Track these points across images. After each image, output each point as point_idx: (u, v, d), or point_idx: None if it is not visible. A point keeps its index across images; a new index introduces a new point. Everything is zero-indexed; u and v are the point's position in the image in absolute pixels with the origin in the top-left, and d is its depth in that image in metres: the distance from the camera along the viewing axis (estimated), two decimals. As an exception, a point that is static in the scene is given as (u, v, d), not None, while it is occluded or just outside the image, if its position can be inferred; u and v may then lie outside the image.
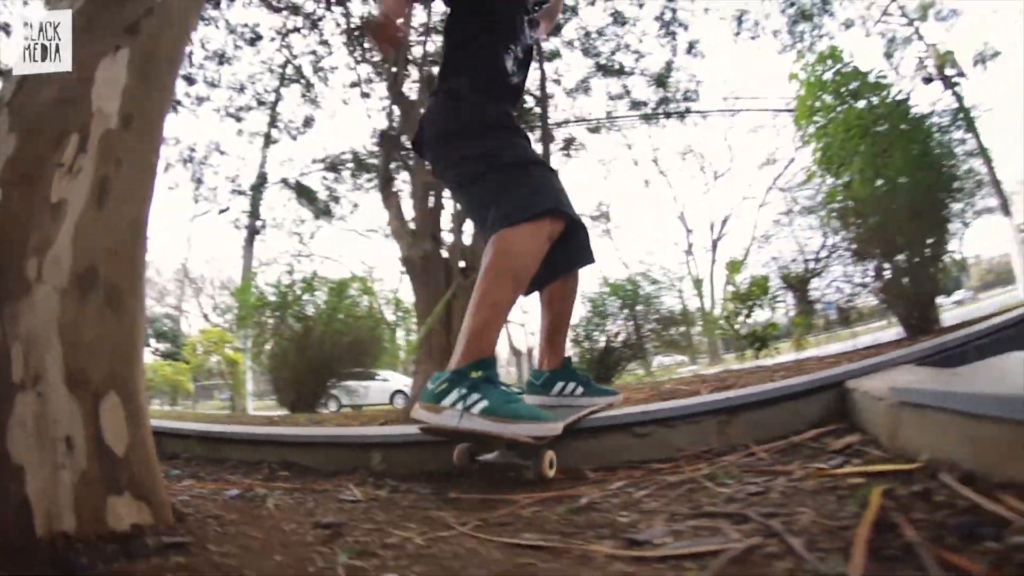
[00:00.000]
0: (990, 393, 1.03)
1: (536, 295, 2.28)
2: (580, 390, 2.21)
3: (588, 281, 9.81)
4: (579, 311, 9.13)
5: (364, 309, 9.05)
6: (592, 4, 8.88)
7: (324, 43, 9.50)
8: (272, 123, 11.93)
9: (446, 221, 3.97)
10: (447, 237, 3.95)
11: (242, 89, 10.84)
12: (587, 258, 2.25)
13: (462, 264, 3.66)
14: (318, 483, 1.87)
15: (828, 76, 6.58)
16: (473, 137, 2.06)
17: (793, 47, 11.17)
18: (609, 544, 1.05)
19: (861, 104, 6.29)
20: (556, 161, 9.14)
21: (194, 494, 1.61)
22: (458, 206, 3.83)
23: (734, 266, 8.33)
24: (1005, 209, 18.55)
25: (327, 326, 8.14)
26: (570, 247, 2.09)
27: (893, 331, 6.15)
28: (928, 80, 19.50)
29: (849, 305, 6.51)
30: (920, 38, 20.70)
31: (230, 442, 2.61)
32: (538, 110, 7.07)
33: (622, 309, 9.00)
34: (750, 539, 0.94)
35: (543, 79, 6.79)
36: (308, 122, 11.55)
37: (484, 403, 1.63)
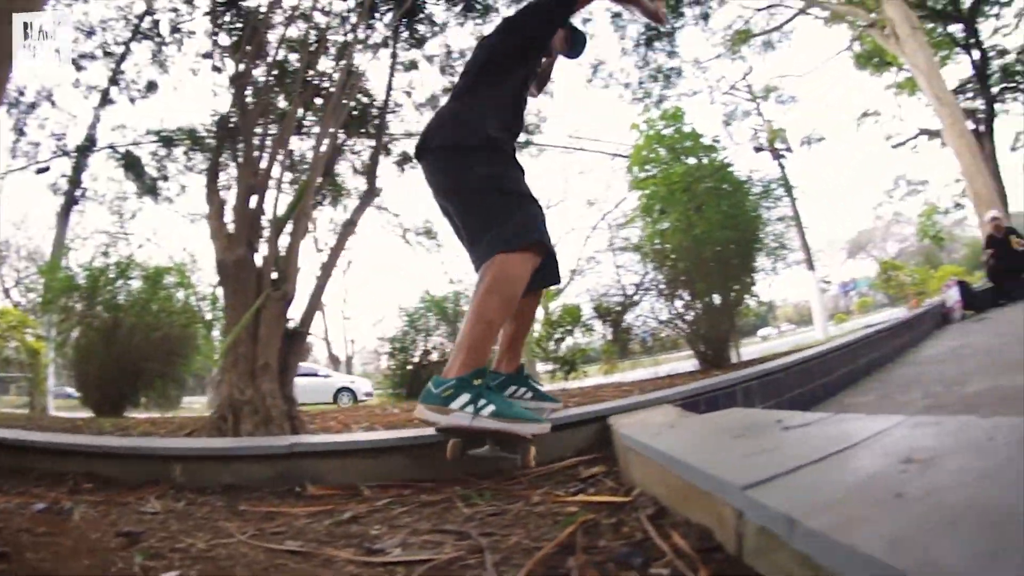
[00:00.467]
0: (664, 451, 1.28)
1: None
2: (529, 395, 2.46)
3: (409, 295, 9.97)
4: (396, 323, 9.35)
5: (179, 303, 8.42)
6: (462, 25, 8.99)
7: (189, 2, 8.79)
8: (113, 79, 10.84)
9: (263, 227, 3.91)
10: (263, 244, 3.88)
11: (91, 33, 9.75)
12: (555, 279, 2.53)
13: (274, 275, 3.66)
14: (122, 495, 1.93)
15: (667, 132, 7.17)
16: (480, 156, 2.23)
17: (640, 101, 12.00)
18: (351, 551, 1.24)
19: (690, 161, 6.95)
20: (389, 172, 9.08)
21: (0, 508, 1.63)
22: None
23: (547, 294, 8.75)
24: (810, 264, 20.98)
25: (139, 318, 7.50)
26: (543, 269, 2.30)
27: (692, 363, 6.77)
28: (759, 150, 21.87)
29: (654, 338, 7.09)
30: (759, 114, 23.08)
31: (34, 452, 2.52)
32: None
33: (439, 324, 9.13)
34: (459, 553, 1.14)
35: (389, 88, 6.76)
36: (152, 87, 10.59)
37: (492, 407, 1.88)
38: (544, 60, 2.74)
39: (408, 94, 9.22)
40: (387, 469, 2.04)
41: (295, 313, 3.77)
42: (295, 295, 3.61)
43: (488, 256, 2.09)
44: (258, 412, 3.23)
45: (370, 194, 5.16)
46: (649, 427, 1.77)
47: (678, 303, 6.52)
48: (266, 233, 3.79)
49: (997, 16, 18.34)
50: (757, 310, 7.36)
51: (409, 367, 8.70)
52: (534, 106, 10.06)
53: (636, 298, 6.99)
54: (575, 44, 2.67)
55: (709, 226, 6.26)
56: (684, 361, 6.97)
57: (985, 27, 18.54)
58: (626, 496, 1.41)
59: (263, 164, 4.14)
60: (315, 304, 3.89)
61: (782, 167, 21.44)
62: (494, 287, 2.06)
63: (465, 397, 1.91)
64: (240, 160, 4.40)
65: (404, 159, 9.03)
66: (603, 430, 2.07)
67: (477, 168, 2.24)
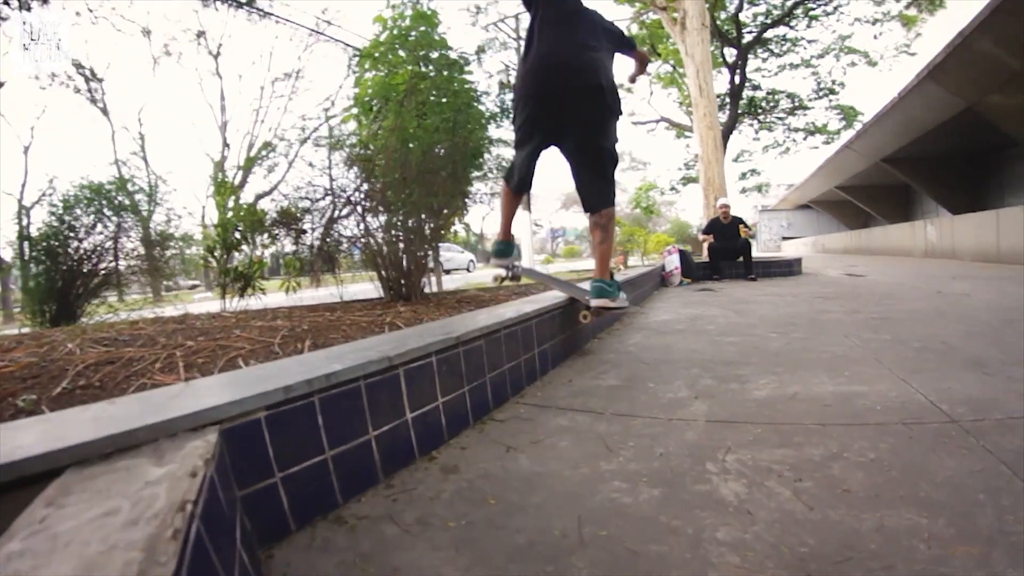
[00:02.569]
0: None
1: None
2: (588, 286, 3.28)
3: (65, 183, 7.14)
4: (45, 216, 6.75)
5: None
6: None
7: None
8: None
9: None
10: None
11: None
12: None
13: None
14: None
15: (413, 35, 5.95)
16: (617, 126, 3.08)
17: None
18: None
19: (428, 70, 5.79)
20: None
21: None
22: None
23: (224, 188, 6.49)
24: (527, 204, 21.57)
25: None
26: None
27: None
28: (503, 86, 21.68)
29: (341, 255, 5.83)
30: (516, 51, 23.13)
31: None
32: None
33: (99, 220, 6.71)
34: None
35: None
36: None
37: (624, 294, 3.24)
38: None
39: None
40: None
41: None
42: None
43: (610, 204, 3.04)
44: None
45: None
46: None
47: (375, 219, 5.43)
48: None
49: (764, 59, 22.84)
50: (466, 238, 6.64)
51: (59, 277, 6.20)
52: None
53: (329, 203, 5.57)
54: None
55: (427, 134, 5.30)
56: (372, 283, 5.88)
57: (752, 63, 22.03)
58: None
59: None
60: None
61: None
62: (614, 224, 3.13)
63: (617, 289, 3.14)
64: None
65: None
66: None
67: (615, 135, 3.02)
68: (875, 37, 29.37)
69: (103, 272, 6.71)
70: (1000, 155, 15.67)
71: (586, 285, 3.26)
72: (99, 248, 6.71)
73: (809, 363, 2.71)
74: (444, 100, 5.53)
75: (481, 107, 5.92)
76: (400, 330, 2.50)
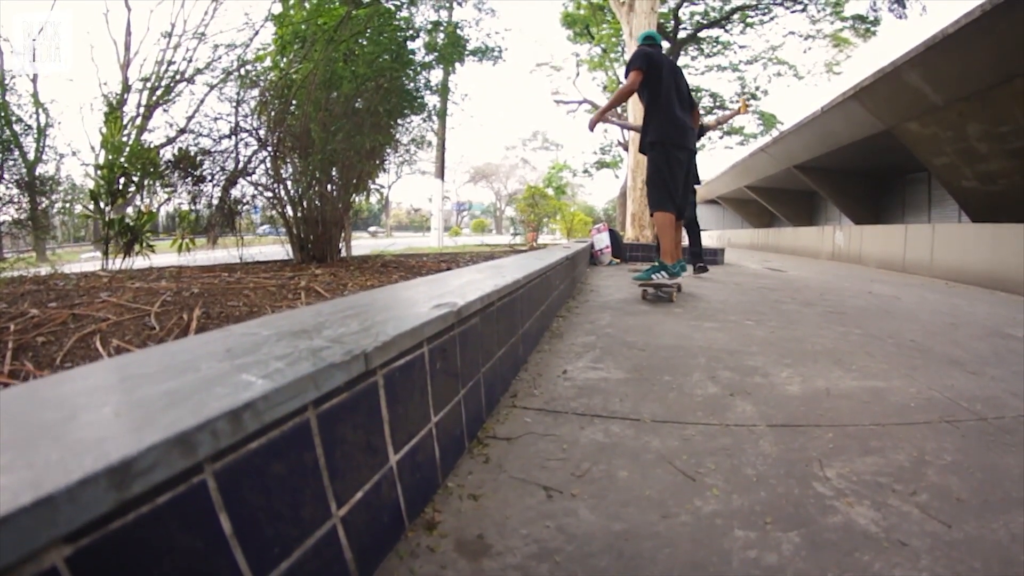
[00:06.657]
0: None
1: None
2: (664, 274, 4.31)
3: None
4: None
5: None
6: None
7: None
8: None
9: None
10: None
11: None
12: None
13: None
14: None
15: None
16: None
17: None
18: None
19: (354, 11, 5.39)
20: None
21: None
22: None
23: (114, 121, 5.52)
24: (441, 173, 21.11)
25: None
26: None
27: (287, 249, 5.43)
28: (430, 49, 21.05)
29: (243, 208, 5.28)
30: (449, 8, 22.48)
31: None
32: None
33: None
34: None
35: None
36: None
37: (662, 274, 4.23)
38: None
39: None
40: None
41: None
42: None
43: (652, 210, 4.37)
44: None
45: None
46: None
47: (287, 166, 5.05)
48: None
49: (693, 58, 23.17)
50: (372, 207, 6.30)
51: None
52: None
53: (234, 145, 5.06)
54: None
55: (355, 79, 5.00)
56: (281, 246, 5.56)
57: (680, 59, 22.44)
58: None
59: None
60: None
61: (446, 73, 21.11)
62: (660, 227, 4.32)
63: (660, 271, 4.22)
64: None
65: None
66: None
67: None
68: (804, 52, 30.77)
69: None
70: (905, 177, 16.74)
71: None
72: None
73: (810, 355, 2.65)
74: (379, 39, 5.25)
75: (413, 55, 5.71)
76: (329, 301, 1.56)
